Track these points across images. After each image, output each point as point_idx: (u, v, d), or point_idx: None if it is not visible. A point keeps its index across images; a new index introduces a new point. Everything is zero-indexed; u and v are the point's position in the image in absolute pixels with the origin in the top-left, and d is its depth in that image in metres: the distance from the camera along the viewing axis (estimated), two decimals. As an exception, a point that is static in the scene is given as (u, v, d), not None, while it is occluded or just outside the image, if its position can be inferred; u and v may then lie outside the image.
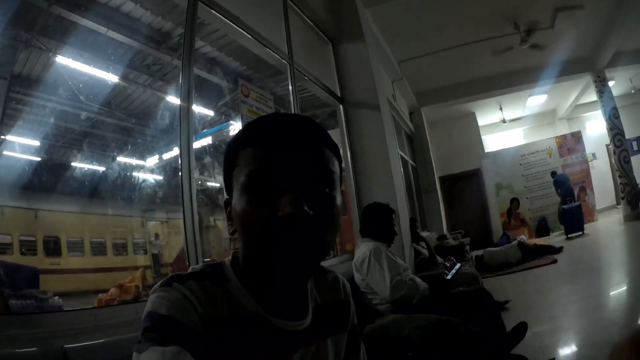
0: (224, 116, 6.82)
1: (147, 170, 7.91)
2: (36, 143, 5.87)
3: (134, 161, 7.74)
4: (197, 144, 6.40)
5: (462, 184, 10.37)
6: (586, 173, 9.75)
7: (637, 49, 7.81)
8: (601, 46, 7.45)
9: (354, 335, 0.77)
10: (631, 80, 9.79)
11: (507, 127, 11.47)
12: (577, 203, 8.12)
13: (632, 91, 10.30)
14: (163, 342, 0.49)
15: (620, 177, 8.04)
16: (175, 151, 6.19)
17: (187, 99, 1.99)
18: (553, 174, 9.37)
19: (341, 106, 4.16)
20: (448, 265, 3.58)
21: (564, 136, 10.13)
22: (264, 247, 0.55)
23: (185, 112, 1.96)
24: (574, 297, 3.72)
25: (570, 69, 8.03)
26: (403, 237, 3.73)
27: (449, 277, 2.93)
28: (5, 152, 5.56)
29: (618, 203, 9.67)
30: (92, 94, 5.73)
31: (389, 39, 5.68)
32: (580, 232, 7.73)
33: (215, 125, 6.92)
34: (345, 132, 4.08)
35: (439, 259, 3.93)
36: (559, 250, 6.41)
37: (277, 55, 3.16)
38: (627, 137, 8.20)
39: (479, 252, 6.58)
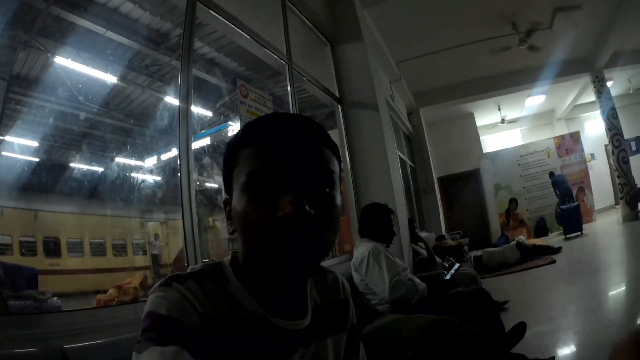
0: (223, 117, 6.84)
1: (146, 170, 7.91)
2: (35, 144, 5.87)
3: (133, 162, 7.74)
4: (195, 145, 6.41)
5: (460, 185, 10.37)
6: (585, 173, 9.75)
7: (636, 49, 7.83)
8: (600, 46, 7.45)
9: (354, 334, 0.77)
10: (629, 81, 9.80)
11: (506, 127, 11.46)
12: (575, 203, 8.13)
13: (631, 91, 10.30)
14: (162, 342, 0.49)
15: (618, 177, 8.05)
16: (174, 152, 6.20)
17: (185, 99, 1.99)
18: (551, 174, 9.37)
19: (339, 107, 4.16)
20: (447, 265, 3.58)
21: (563, 136, 10.14)
22: (264, 247, 0.55)
23: (184, 112, 1.96)
24: (573, 297, 3.72)
25: (568, 69, 8.04)
26: (402, 237, 3.73)
27: (447, 277, 2.94)
28: (4, 153, 5.57)
29: (616, 203, 9.67)
30: (91, 94, 5.74)
31: (388, 40, 5.68)
32: (579, 233, 7.73)
33: (214, 125, 6.94)
34: (344, 133, 4.08)
35: (438, 259, 3.93)
36: (557, 250, 6.41)
37: (275, 56, 3.16)
38: (625, 137, 8.20)
39: (478, 253, 6.58)
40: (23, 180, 5.75)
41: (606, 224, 8.63)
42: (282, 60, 3.27)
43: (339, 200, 0.59)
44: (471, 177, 10.36)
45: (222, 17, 2.49)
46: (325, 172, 0.58)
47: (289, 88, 3.31)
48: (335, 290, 0.75)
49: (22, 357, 0.95)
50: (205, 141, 7.05)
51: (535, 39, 6.39)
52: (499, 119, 10.91)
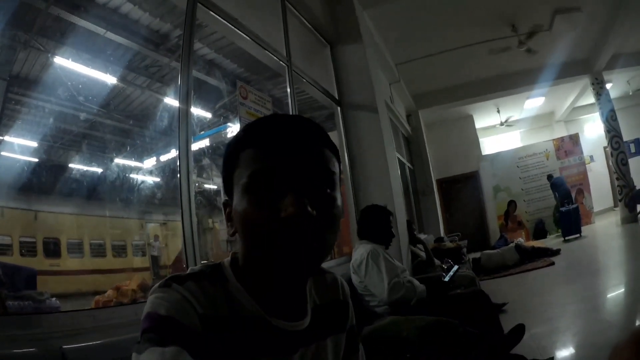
0: (222, 118, 6.83)
1: (145, 172, 7.90)
2: (35, 144, 5.87)
3: (132, 163, 7.73)
4: (195, 146, 6.42)
5: (459, 187, 10.38)
6: (584, 175, 9.76)
7: (635, 51, 7.84)
8: (599, 48, 7.47)
9: (353, 335, 0.77)
10: (629, 83, 9.82)
11: (505, 129, 11.47)
12: (574, 205, 8.13)
13: (630, 93, 10.32)
14: (162, 342, 0.49)
15: (617, 179, 8.06)
16: (174, 153, 6.20)
17: (185, 100, 1.99)
18: (549, 177, 9.33)
19: (339, 108, 4.17)
20: (445, 267, 3.59)
21: (562, 138, 10.15)
22: (264, 247, 0.55)
23: (183, 113, 1.96)
24: (572, 299, 3.73)
25: (567, 71, 8.06)
26: (400, 239, 3.73)
27: (446, 279, 2.94)
28: (4, 153, 5.56)
29: (615, 205, 9.67)
30: (90, 95, 5.74)
31: (387, 41, 5.69)
32: (578, 235, 7.73)
33: (214, 127, 6.93)
34: (343, 135, 4.08)
35: (437, 261, 3.93)
36: (556, 252, 6.41)
37: (275, 58, 3.16)
38: (624, 139, 8.23)
39: (477, 255, 6.59)
40: (23, 180, 5.74)
41: (605, 226, 8.63)
42: (281, 62, 3.27)
43: (339, 201, 0.59)
44: (470, 179, 10.37)
45: (222, 18, 2.49)
46: (325, 172, 0.58)
47: (288, 90, 3.31)
48: (334, 291, 0.76)
49: (21, 357, 0.96)
50: (205, 142, 7.05)
51: (535, 41, 6.40)
52: (498, 121, 10.92)
